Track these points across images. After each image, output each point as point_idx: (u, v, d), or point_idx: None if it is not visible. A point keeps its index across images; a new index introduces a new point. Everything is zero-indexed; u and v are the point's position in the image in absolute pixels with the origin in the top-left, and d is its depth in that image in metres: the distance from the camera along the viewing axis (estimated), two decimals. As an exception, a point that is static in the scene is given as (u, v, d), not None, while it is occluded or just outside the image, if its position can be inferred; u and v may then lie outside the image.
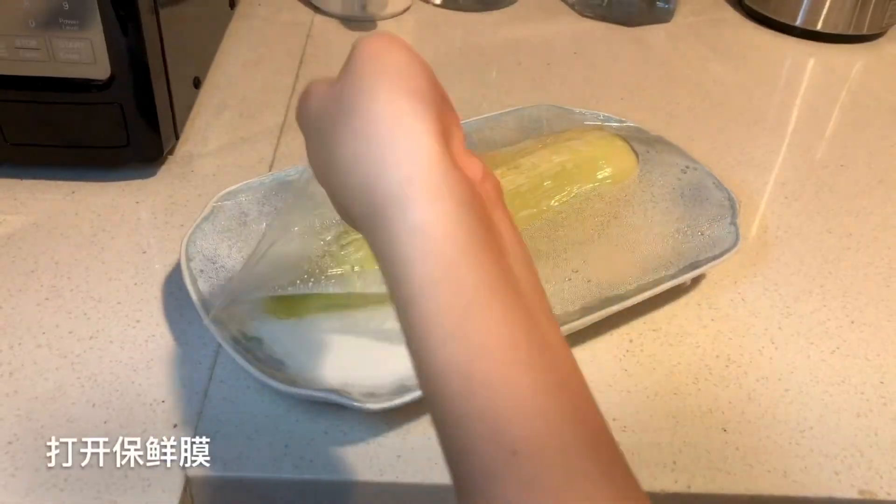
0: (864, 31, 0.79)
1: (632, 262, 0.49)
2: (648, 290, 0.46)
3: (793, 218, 0.57)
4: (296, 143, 0.60)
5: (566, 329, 0.43)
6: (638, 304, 0.46)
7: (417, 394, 0.39)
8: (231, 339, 0.41)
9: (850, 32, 0.79)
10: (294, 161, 0.58)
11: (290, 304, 0.45)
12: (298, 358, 0.43)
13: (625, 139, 0.55)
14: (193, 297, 0.43)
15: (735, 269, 0.52)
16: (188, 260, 0.46)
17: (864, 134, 0.67)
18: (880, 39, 0.82)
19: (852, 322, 0.49)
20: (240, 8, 0.76)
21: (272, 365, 0.41)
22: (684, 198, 0.53)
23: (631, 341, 0.46)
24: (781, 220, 0.57)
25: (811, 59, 0.79)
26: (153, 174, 0.56)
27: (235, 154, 0.58)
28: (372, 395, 0.40)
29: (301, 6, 0.79)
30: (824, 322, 0.49)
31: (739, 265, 0.52)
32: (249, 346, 0.42)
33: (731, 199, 0.52)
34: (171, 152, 0.57)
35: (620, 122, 0.59)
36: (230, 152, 0.59)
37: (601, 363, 0.45)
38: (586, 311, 0.45)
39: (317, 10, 0.78)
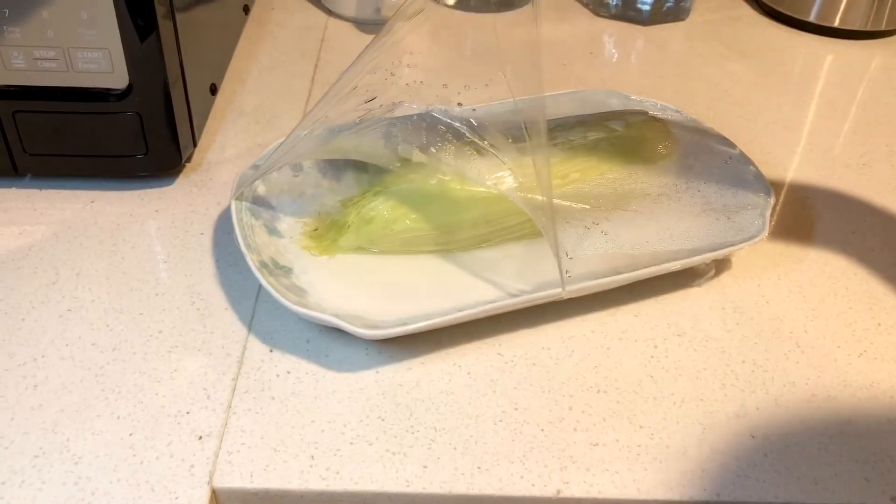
0: (883, 27, 0.79)
1: (652, 230, 0.50)
2: (666, 260, 0.47)
3: (816, 218, 0.56)
4: (313, 148, 0.60)
5: (588, 287, 0.45)
6: (660, 303, 0.47)
7: (414, 326, 0.42)
8: (259, 263, 0.44)
9: (868, 28, 0.79)
10: (312, 167, 0.58)
11: (325, 243, 0.48)
12: (319, 289, 0.46)
13: (665, 122, 0.56)
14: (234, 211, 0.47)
15: (758, 271, 0.51)
16: (238, 186, 0.49)
17: (884, 131, 0.66)
18: (898, 35, 0.81)
19: (879, 325, 0.48)
20: (254, 12, 0.76)
21: (294, 291, 0.44)
22: (721, 186, 0.53)
23: (656, 347, 0.46)
24: (804, 220, 0.56)
25: (829, 55, 0.78)
26: (172, 183, 0.55)
27: (253, 161, 0.58)
28: (373, 327, 0.42)
29: (314, 10, 0.79)
30: (850, 325, 0.48)
31: (762, 267, 0.52)
32: (276, 272, 0.45)
33: (766, 192, 0.52)
34: (189, 160, 0.57)
35: (677, 111, 0.60)
36: (248, 159, 0.58)
37: (627, 370, 0.45)
38: (604, 271, 0.46)
39: (330, 13, 0.78)
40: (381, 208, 0.48)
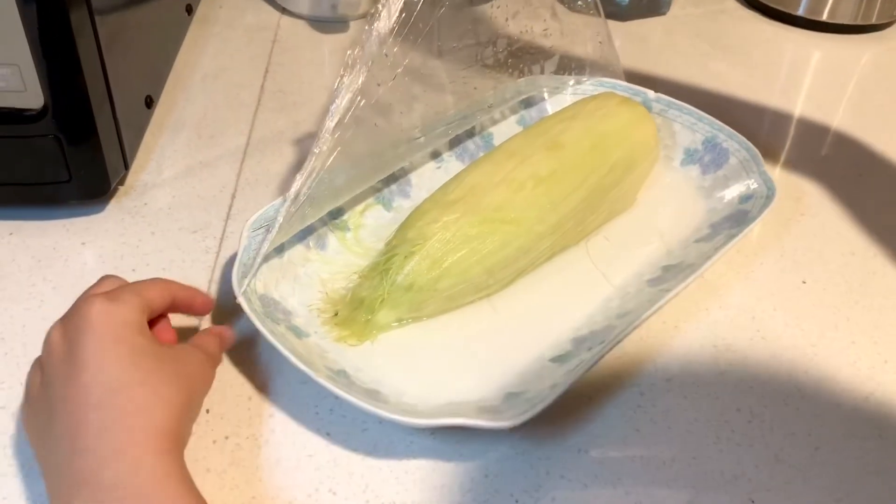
0: (873, 21, 0.74)
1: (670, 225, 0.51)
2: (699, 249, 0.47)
3: (811, 238, 0.52)
4: (261, 166, 0.54)
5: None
6: (645, 342, 0.42)
7: (537, 409, 0.36)
8: (326, 378, 0.37)
9: (858, 22, 0.74)
10: (259, 188, 0.52)
11: (359, 326, 0.42)
12: (389, 383, 0.39)
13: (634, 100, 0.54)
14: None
15: (751, 301, 0.47)
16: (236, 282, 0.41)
17: (879, 137, 0.62)
18: (888, 29, 0.77)
19: (885, 362, 0.44)
20: (199, 12, 0.70)
21: (369, 396, 0.37)
22: (704, 153, 0.54)
23: (642, 395, 0.41)
24: (798, 241, 0.51)
25: (816, 52, 0.73)
26: (101, 210, 0.50)
27: (194, 182, 0.53)
28: (496, 413, 0.37)
29: (266, 7, 0.73)
30: (854, 363, 0.44)
31: (755, 297, 0.47)
32: (342, 381, 0.38)
33: (749, 150, 0.52)
34: (121, 182, 0.51)
35: (614, 84, 0.59)
36: (187, 180, 0.53)
37: (610, 422, 0.40)
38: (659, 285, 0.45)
39: (284, 10, 0.72)
40: (419, 269, 0.42)
